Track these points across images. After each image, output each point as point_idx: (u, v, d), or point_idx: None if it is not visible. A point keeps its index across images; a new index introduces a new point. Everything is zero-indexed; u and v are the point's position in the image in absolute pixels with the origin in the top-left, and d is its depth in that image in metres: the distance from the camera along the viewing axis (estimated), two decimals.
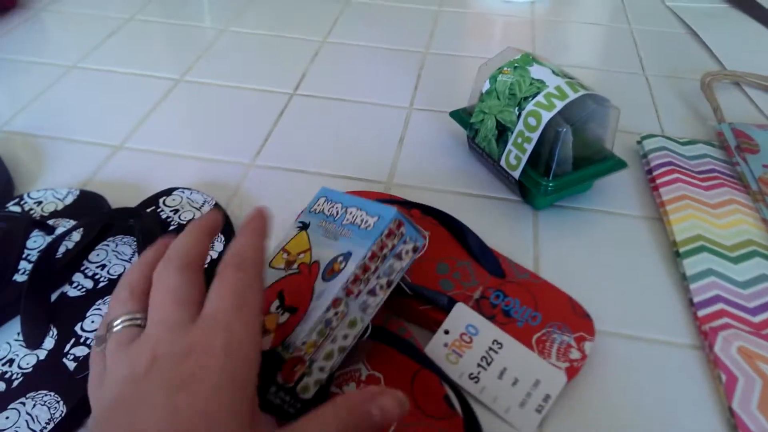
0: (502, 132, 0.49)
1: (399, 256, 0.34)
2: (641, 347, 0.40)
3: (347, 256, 0.33)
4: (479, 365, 0.37)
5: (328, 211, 0.37)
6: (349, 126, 0.60)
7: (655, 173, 0.52)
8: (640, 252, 0.47)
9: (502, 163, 0.49)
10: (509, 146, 0.48)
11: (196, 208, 0.48)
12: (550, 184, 0.46)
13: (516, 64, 0.49)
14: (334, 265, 0.33)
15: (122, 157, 0.55)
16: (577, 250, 0.47)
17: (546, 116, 0.45)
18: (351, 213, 0.36)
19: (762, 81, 0.65)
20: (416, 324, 0.41)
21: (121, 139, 0.57)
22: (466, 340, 0.38)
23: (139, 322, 0.28)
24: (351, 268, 0.32)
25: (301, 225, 0.38)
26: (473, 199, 0.52)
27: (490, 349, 0.37)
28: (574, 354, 0.37)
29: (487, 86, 0.50)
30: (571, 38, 0.77)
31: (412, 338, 0.38)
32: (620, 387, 0.38)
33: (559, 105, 0.45)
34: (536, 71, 0.48)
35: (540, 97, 0.46)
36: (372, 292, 0.34)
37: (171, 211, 0.47)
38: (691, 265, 0.44)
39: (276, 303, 0.34)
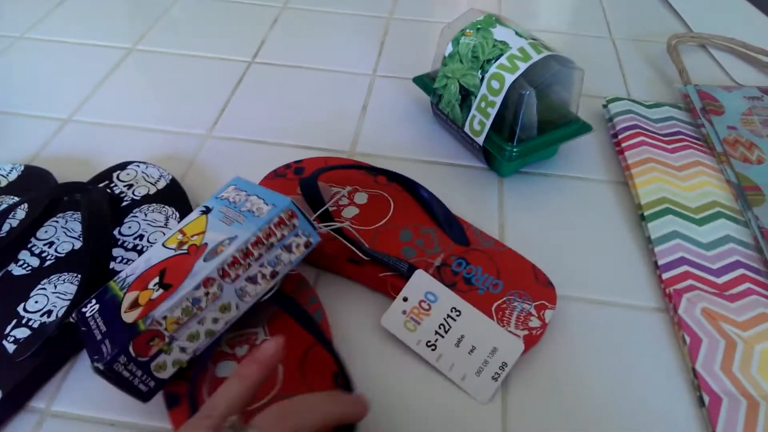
0: (466, 97, 0.47)
1: (288, 248, 0.33)
2: (605, 311, 0.40)
3: (232, 239, 0.32)
4: (437, 333, 0.36)
5: (233, 198, 0.37)
6: (311, 94, 0.58)
7: (620, 137, 0.51)
8: (605, 216, 0.46)
9: (466, 128, 0.47)
10: (473, 111, 0.46)
11: (152, 183, 0.45)
12: (515, 150, 0.45)
13: (479, 26, 0.48)
14: (219, 247, 0.33)
15: (71, 131, 0.52)
16: (543, 216, 0.46)
17: (509, 78, 0.44)
18: (251, 200, 0.35)
19: (728, 43, 0.65)
20: (377, 290, 0.40)
21: (69, 112, 0.54)
22: (424, 308, 0.37)
23: None
24: (231, 250, 0.32)
25: (204, 209, 0.37)
26: (438, 167, 0.50)
27: (448, 316, 0.36)
28: (534, 322, 0.36)
29: (449, 49, 0.49)
30: (538, 2, 0.76)
31: (319, 310, 0.37)
32: (584, 352, 0.37)
33: (523, 67, 0.44)
34: (499, 33, 0.46)
35: (503, 59, 0.44)
36: (252, 280, 0.33)
37: (125, 185, 0.45)
38: (656, 228, 0.44)
39: (155, 280, 0.33)
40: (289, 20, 0.69)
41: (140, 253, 0.40)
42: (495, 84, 0.44)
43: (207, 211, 0.37)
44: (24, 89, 0.57)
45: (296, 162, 0.47)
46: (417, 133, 0.54)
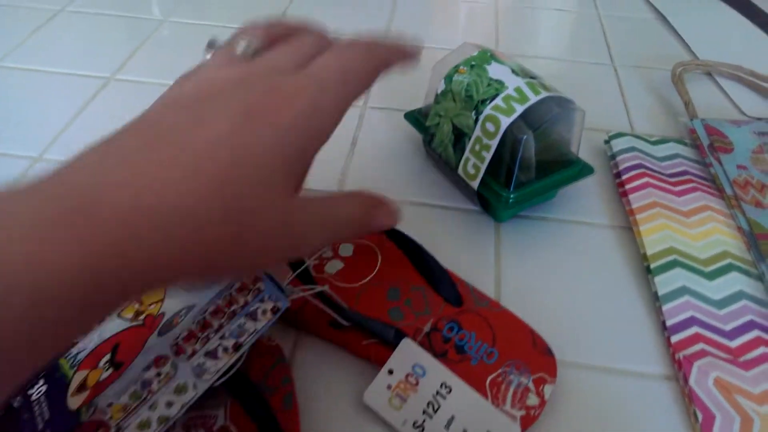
0: (459, 137, 0.44)
1: (253, 316, 0.30)
2: (609, 380, 0.36)
3: (189, 309, 0.29)
4: (425, 412, 0.33)
5: None
6: None
7: (624, 177, 0.48)
8: (609, 267, 0.43)
9: (460, 171, 0.44)
10: (467, 154, 0.43)
11: None
12: (512, 196, 0.42)
13: (473, 62, 0.44)
14: (175, 318, 0.29)
15: (42, 171, 0.49)
16: (542, 266, 0.43)
17: (505, 122, 0.41)
18: None
19: (734, 71, 0.62)
20: (361, 358, 0.36)
21: (40, 150, 0.51)
22: (411, 382, 0.34)
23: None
24: (187, 323, 0.29)
25: None
26: (431, 209, 0.47)
27: (438, 393, 0.33)
28: (532, 400, 0.33)
29: (442, 86, 0.46)
30: (536, 26, 0.73)
31: (290, 396, 0.32)
32: (585, 428, 0.34)
33: (519, 109, 0.41)
34: (495, 70, 0.43)
35: (498, 100, 0.41)
36: (212, 354, 0.29)
37: None
38: (664, 283, 0.41)
39: (107, 357, 0.30)
40: None
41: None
42: (490, 126, 0.41)
43: None
44: None
45: None
46: (409, 171, 0.50)
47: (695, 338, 0.38)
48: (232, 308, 0.30)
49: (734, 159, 0.49)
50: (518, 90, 0.41)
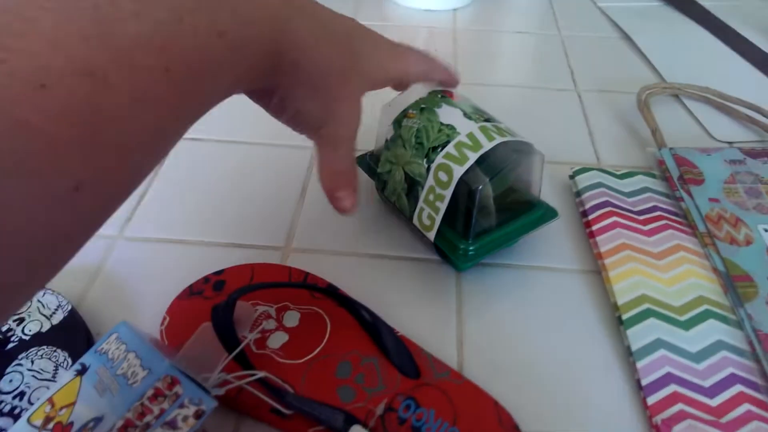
0: (413, 185, 0.41)
1: (172, 425, 0.26)
2: None
3: (98, 421, 0.26)
4: None
5: (112, 353, 0.30)
6: (241, 175, 0.51)
7: (590, 216, 0.45)
8: (580, 317, 0.40)
9: (415, 221, 0.41)
10: (420, 203, 0.40)
11: (46, 316, 0.38)
12: (470, 248, 0.39)
13: (422, 105, 0.41)
14: (83, 430, 0.25)
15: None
16: (508, 321, 0.40)
17: (458, 171, 0.37)
18: (128, 360, 0.28)
19: (702, 92, 0.60)
20: None
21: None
22: None
23: None
24: None
25: (79, 368, 0.30)
26: (386, 261, 0.44)
27: None
28: None
29: (391, 132, 0.42)
30: (496, 49, 0.70)
31: None
32: None
33: (473, 158, 0.37)
34: (446, 114, 0.40)
35: (450, 148, 0.38)
36: None
37: (15, 320, 0.38)
38: (637, 336, 0.38)
39: None
40: None
41: (16, 418, 0.32)
42: (443, 176, 0.38)
43: (82, 371, 0.30)
44: None
45: (216, 273, 0.40)
46: (362, 220, 0.47)
47: (673, 398, 0.35)
48: (146, 420, 0.26)
49: (706, 191, 0.46)
50: (471, 136, 0.38)
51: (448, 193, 0.38)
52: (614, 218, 0.45)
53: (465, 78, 0.63)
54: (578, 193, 0.48)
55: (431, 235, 0.40)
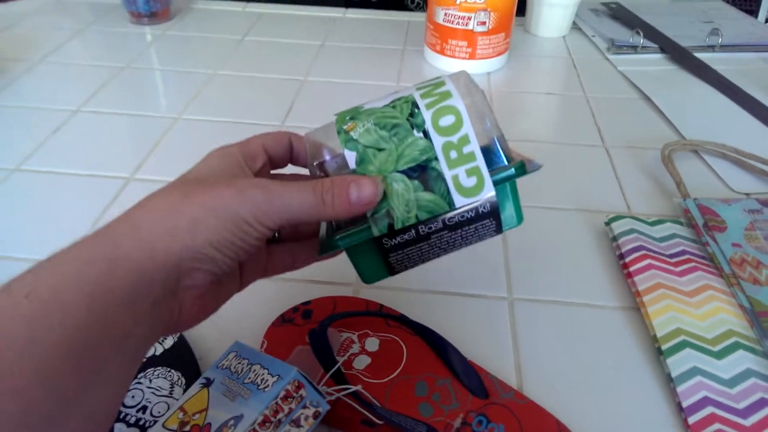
0: (423, 170, 0.32)
1: (297, 422, 0.32)
2: None
3: (238, 419, 0.31)
4: None
5: (234, 368, 0.35)
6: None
7: (627, 259, 0.51)
8: (622, 349, 0.45)
9: (458, 200, 0.32)
10: (449, 173, 0.31)
11: (159, 342, 0.43)
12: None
13: (348, 116, 0.34)
14: (224, 429, 0.31)
15: None
16: (559, 351, 0.45)
17: (458, 104, 0.32)
18: (254, 371, 0.34)
19: (719, 149, 0.66)
20: None
21: None
22: None
23: None
24: None
25: (204, 381, 0.35)
26: (449, 297, 0.49)
27: None
28: None
29: (352, 156, 0.32)
30: (529, 109, 0.78)
31: None
32: None
33: (451, 87, 0.33)
34: (374, 104, 0.35)
35: (423, 94, 0.33)
36: None
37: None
38: (676, 365, 0.43)
39: None
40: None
41: (142, 429, 0.38)
42: (447, 120, 0.32)
43: (208, 383, 0.35)
44: (16, 229, 0.56)
45: (304, 304, 0.46)
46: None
47: (711, 419, 0.40)
48: (278, 417, 0.31)
49: (729, 237, 0.52)
50: (422, 89, 0.34)
51: (466, 131, 0.31)
52: (649, 260, 0.50)
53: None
54: (614, 239, 0.54)
55: (488, 190, 0.32)
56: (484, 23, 0.80)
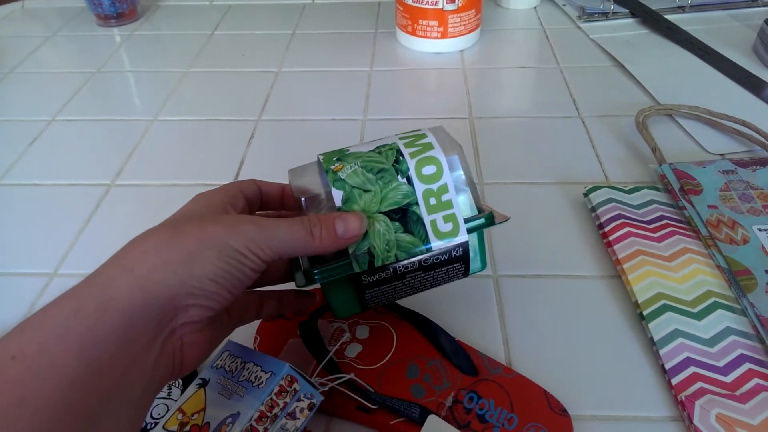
0: (404, 215, 0.34)
1: (292, 415, 0.33)
2: (621, 428, 0.39)
3: (235, 417, 0.32)
4: None
5: (228, 367, 0.36)
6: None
7: (606, 228, 0.52)
8: (605, 317, 0.47)
9: (435, 242, 0.35)
10: (427, 217, 0.34)
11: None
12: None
13: (335, 157, 0.36)
14: (222, 427, 0.32)
15: (59, 287, 0.51)
16: (544, 323, 0.46)
17: (439, 155, 0.35)
18: (248, 369, 0.35)
19: (692, 111, 0.67)
20: None
21: (54, 266, 0.53)
22: None
23: None
24: (236, 431, 0.31)
25: (200, 382, 0.36)
26: None
27: None
28: None
29: (339, 195, 0.34)
30: (503, 84, 0.78)
31: None
32: None
33: (432, 139, 0.36)
34: (360, 149, 0.37)
35: (407, 144, 0.36)
36: None
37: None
38: (657, 328, 0.44)
39: None
40: (264, 133, 0.70)
41: (144, 431, 0.38)
42: (429, 169, 0.35)
43: (204, 383, 0.36)
44: (1, 243, 0.56)
45: None
46: None
47: (693, 378, 0.41)
48: (274, 411, 0.32)
49: (704, 200, 0.53)
50: (406, 136, 0.37)
51: (446, 180, 0.35)
52: (627, 228, 0.51)
53: (477, 112, 0.71)
54: (593, 209, 0.55)
55: (462, 236, 0.35)
56: (453, 1, 0.80)
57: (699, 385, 0.41)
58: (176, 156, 0.66)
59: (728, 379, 0.41)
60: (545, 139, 0.66)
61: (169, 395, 0.41)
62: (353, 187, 0.34)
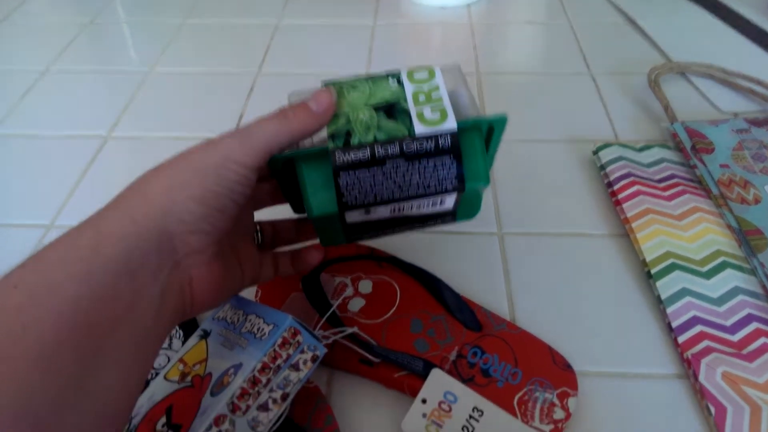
0: (391, 109, 0.33)
1: (295, 367, 0.32)
2: (626, 384, 0.39)
3: (237, 367, 0.31)
4: None
5: (230, 318, 0.35)
6: None
7: (615, 187, 0.51)
8: (612, 275, 0.46)
9: (419, 128, 0.32)
10: (414, 109, 0.32)
11: None
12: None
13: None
14: (225, 377, 0.31)
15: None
16: (550, 282, 0.45)
17: (436, 69, 0.34)
18: (250, 320, 0.34)
19: (706, 69, 0.65)
20: (394, 389, 0.38)
21: (51, 217, 0.52)
22: (445, 409, 0.36)
23: None
24: (238, 381, 0.31)
25: (202, 333, 0.36)
26: (439, 236, 0.49)
27: (471, 417, 0.35)
28: (558, 413, 0.35)
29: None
30: (511, 40, 0.76)
31: None
32: None
33: (435, 67, 0.35)
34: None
35: (404, 71, 0.35)
36: (263, 407, 0.31)
37: None
38: (665, 287, 0.43)
39: (162, 420, 0.31)
40: (263, 90, 0.68)
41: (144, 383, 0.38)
42: (422, 74, 0.34)
43: (205, 335, 0.35)
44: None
45: None
46: None
47: (700, 336, 0.40)
48: (277, 363, 0.31)
49: (716, 159, 0.52)
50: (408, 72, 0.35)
51: (438, 82, 0.33)
52: (637, 187, 0.50)
53: (487, 68, 0.69)
54: (602, 167, 0.53)
55: (450, 123, 0.32)
56: None
57: (705, 343, 0.40)
58: (173, 108, 0.65)
59: (735, 338, 0.40)
60: (554, 96, 0.64)
61: (170, 346, 0.40)
62: (342, 84, 0.34)
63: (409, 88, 0.33)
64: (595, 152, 0.55)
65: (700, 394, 0.38)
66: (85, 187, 0.55)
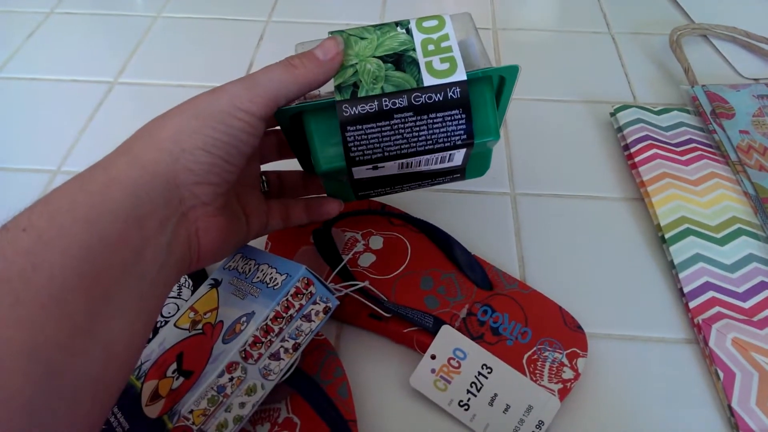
0: (399, 59, 0.32)
1: (308, 318, 0.32)
2: (635, 348, 0.39)
3: (250, 316, 0.31)
4: (469, 391, 0.35)
5: (241, 268, 0.35)
6: None
7: (632, 149, 0.50)
8: (625, 239, 0.45)
9: (428, 79, 0.31)
10: (422, 59, 0.32)
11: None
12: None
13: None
14: (236, 326, 0.31)
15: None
16: (561, 243, 0.45)
17: (446, 18, 0.33)
18: (262, 270, 0.33)
19: (729, 32, 0.63)
20: (403, 345, 0.39)
21: (58, 162, 0.51)
22: (454, 365, 0.36)
23: None
24: (251, 329, 0.30)
25: (212, 282, 0.35)
26: (450, 194, 0.49)
27: (480, 374, 0.35)
28: (567, 373, 0.35)
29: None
30: None
31: (344, 384, 0.35)
32: (617, 395, 0.37)
33: (445, 15, 0.33)
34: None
35: (413, 20, 0.34)
36: (275, 356, 0.31)
37: None
38: (678, 252, 0.43)
39: (173, 366, 0.31)
40: (275, 35, 0.66)
41: (154, 330, 0.38)
42: (431, 23, 0.33)
43: (216, 284, 0.35)
44: (4, 139, 0.54)
45: None
46: None
47: (712, 302, 0.40)
48: (290, 312, 0.31)
49: (736, 124, 0.50)
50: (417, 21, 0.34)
51: (447, 30, 0.32)
52: (654, 150, 0.49)
53: (503, 24, 0.67)
54: (619, 129, 0.52)
55: (460, 74, 0.31)
56: None
57: (717, 309, 0.40)
58: (181, 55, 0.63)
59: (747, 305, 0.40)
60: (572, 55, 0.62)
61: (179, 295, 0.40)
62: (350, 34, 0.33)
63: (418, 38, 0.32)
64: (613, 114, 0.54)
65: (710, 359, 0.38)
66: (92, 132, 0.54)
